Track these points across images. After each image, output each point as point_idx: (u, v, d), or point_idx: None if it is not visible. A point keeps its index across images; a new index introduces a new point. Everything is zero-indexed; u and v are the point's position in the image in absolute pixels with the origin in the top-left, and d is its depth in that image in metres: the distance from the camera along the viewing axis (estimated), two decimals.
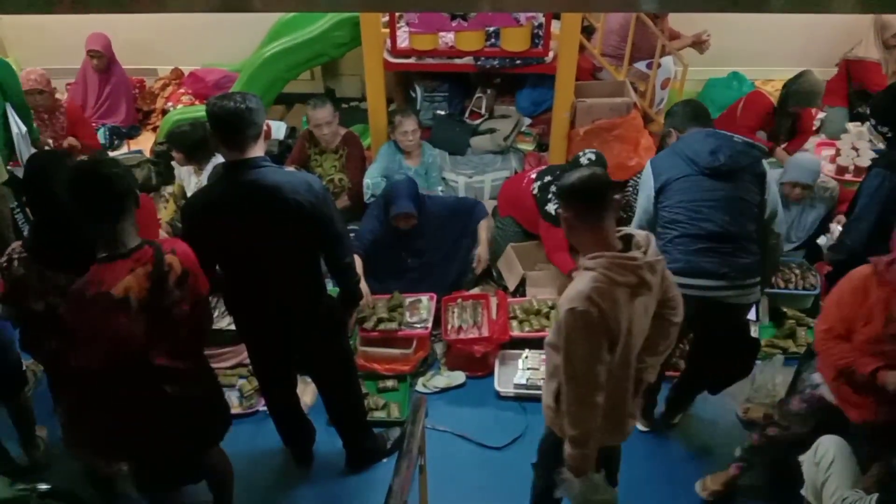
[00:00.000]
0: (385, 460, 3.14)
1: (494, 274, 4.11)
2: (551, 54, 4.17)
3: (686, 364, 3.27)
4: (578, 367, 1.99)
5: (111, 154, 4.97)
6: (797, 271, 3.87)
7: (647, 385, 2.29)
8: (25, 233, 3.52)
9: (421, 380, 3.59)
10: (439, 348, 3.75)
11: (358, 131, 4.69)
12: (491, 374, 3.58)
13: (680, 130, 2.92)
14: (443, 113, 4.59)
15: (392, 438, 3.18)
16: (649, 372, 2.23)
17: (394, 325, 3.62)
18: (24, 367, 3.07)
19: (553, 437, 2.23)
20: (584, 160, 3.59)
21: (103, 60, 5.06)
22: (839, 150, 4.53)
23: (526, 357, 3.55)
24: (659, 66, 4.44)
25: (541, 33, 4.08)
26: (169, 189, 4.57)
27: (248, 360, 3.07)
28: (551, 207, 3.69)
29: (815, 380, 2.58)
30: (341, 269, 2.63)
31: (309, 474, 3.14)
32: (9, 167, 3.93)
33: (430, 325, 3.64)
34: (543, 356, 3.08)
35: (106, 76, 5.17)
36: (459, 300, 3.82)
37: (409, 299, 3.78)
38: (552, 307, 3.68)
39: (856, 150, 4.48)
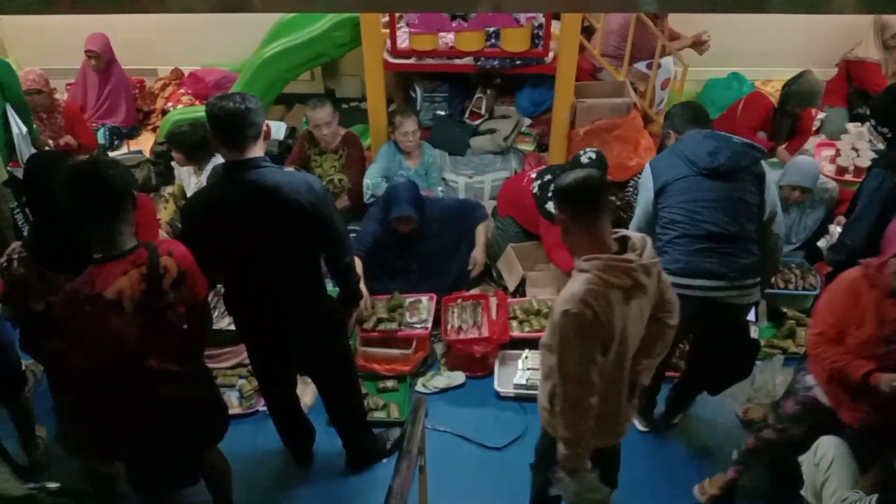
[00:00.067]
0: (385, 460, 3.14)
1: (494, 274, 4.11)
2: (551, 55, 4.17)
3: (686, 364, 3.27)
4: (572, 368, 1.99)
5: (111, 154, 4.98)
6: (797, 272, 3.87)
7: (643, 387, 2.29)
8: (25, 233, 3.52)
9: (421, 380, 3.59)
10: (439, 348, 3.75)
11: (358, 131, 4.69)
12: (491, 374, 3.58)
13: (679, 132, 2.92)
14: (443, 113, 4.60)
15: (392, 438, 3.18)
16: (644, 375, 2.23)
17: (394, 326, 3.62)
18: (24, 367, 3.07)
19: (549, 438, 2.23)
20: (584, 159, 3.60)
21: (101, 61, 5.06)
22: (839, 151, 4.53)
23: (526, 357, 3.55)
24: (659, 66, 4.44)
25: (541, 34, 4.09)
26: (169, 189, 4.57)
27: (248, 360, 3.07)
28: (551, 206, 3.69)
29: (808, 382, 2.58)
30: (341, 269, 2.63)
31: (309, 474, 3.14)
32: (9, 167, 3.93)
33: (429, 325, 3.64)
34: None
35: (105, 76, 5.17)
36: (459, 300, 3.82)
37: (408, 299, 3.78)
38: (552, 307, 3.67)
39: (856, 150, 4.48)
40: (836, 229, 3.82)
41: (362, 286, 3.39)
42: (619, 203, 4.17)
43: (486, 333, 3.60)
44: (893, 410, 2.33)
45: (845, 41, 5.23)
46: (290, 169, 3.76)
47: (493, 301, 3.80)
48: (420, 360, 3.61)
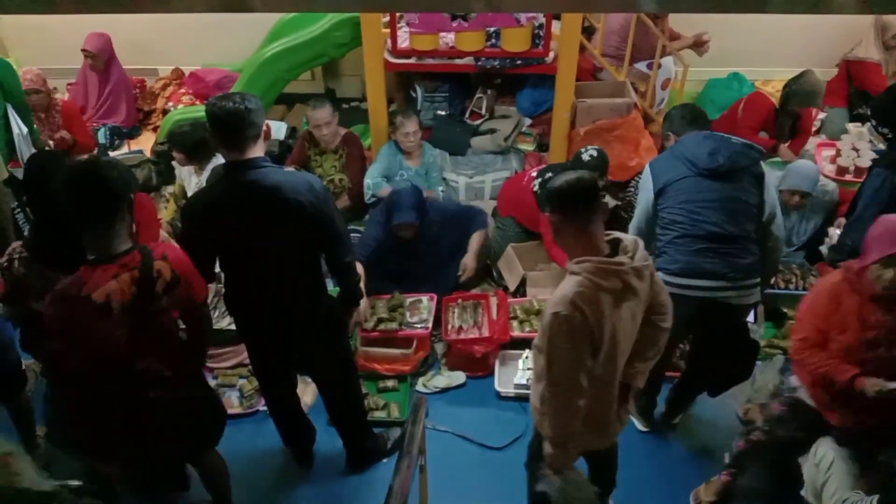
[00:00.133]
0: (385, 460, 3.14)
1: (495, 274, 4.11)
2: (552, 55, 4.17)
3: (686, 364, 3.27)
4: (560, 370, 2.00)
5: (112, 154, 4.98)
6: (797, 272, 3.87)
7: (636, 390, 2.28)
8: (26, 232, 3.52)
9: (421, 380, 3.59)
10: (440, 348, 3.75)
11: (358, 131, 4.69)
12: (491, 374, 3.58)
13: (678, 134, 2.93)
14: (443, 113, 4.60)
15: (392, 438, 3.18)
16: (638, 378, 2.23)
17: (394, 325, 3.62)
18: (24, 367, 3.07)
19: (541, 437, 2.24)
20: (585, 157, 3.61)
21: (98, 61, 5.05)
22: (839, 151, 4.53)
23: (526, 357, 3.55)
24: (659, 66, 4.44)
25: (541, 34, 4.09)
26: (169, 189, 4.57)
27: (248, 360, 3.07)
28: None
29: (793, 382, 2.57)
30: (342, 269, 2.63)
31: (309, 474, 3.14)
32: (9, 168, 3.93)
33: (430, 325, 3.64)
34: None
35: (105, 76, 5.16)
36: (460, 300, 3.82)
37: (409, 299, 3.78)
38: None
39: (856, 150, 4.48)
40: (835, 232, 3.81)
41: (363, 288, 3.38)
42: (619, 203, 4.17)
43: (486, 333, 3.60)
44: (880, 412, 2.32)
45: (845, 41, 5.22)
46: (291, 169, 3.76)
47: (494, 301, 3.80)
48: (420, 359, 3.61)
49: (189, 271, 2.18)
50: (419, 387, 3.56)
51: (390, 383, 3.54)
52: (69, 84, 5.47)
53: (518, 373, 3.50)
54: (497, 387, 3.49)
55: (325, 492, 3.06)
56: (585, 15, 4.41)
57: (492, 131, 4.53)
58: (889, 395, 2.23)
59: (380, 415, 3.35)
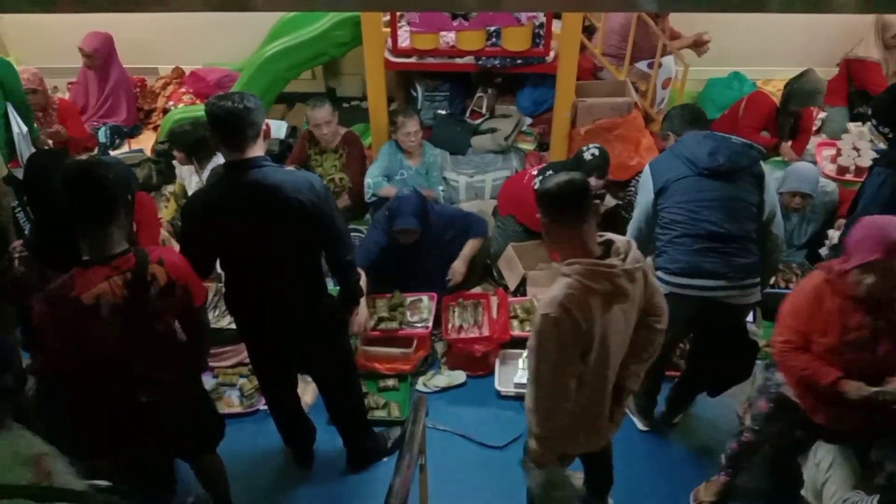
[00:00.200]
0: (385, 460, 3.14)
1: (495, 273, 4.11)
2: (552, 54, 4.17)
3: (686, 364, 3.27)
4: (548, 370, 2.01)
5: (112, 153, 4.98)
6: (798, 271, 3.87)
7: (630, 392, 2.28)
8: (27, 232, 3.52)
9: (421, 379, 3.59)
10: (440, 347, 3.75)
11: (359, 131, 4.69)
12: (491, 373, 3.58)
13: (678, 134, 2.93)
14: (444, 112, 4.59)
15: (392, 438, 3.18)
16: (632, 380, 2.22)
17: (394, 325, 3.62)
18: (25, 367, 3.07)
19: None
20: (587, 155, 3.61)
21: (94, 60, 5.04)
22: (840, 150, 4.52)
23: (526, 357, 3.54)
24: (660, 65, 4.44)
25: (542, 33, 4.09)
26: (170, 188, 4.57)
27: (248, 360, 3.07)
28: None
29: (778, 378, 2.55)
30: (342, 268, 2.63)
31: (309, 474, 3.14)
32: (9, 167, 3.92)
33: (430, 324, 3.64)
34: None
35: (105, 75, 5.16)
36: (460, 300, 3.82)
37: (409, 299, 3.78)
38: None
39: (857, 150, 4.48)
40: (835, 234, 3.81)
41: (362, 306, 3.37)
42: (620, 202, 4.17)
43: (486, 332, 3.60)
44: (865, 412, 2.31)
45: (846, 41, 5.22)
46: (291, 168, 3.75)
47: (494, 300, 3.80)
48: (421, 359, 3.62)
49: (186, 275, 2.15)
50: (419, 386, 3.56)
51: (390, 382, 3.55)
52: (70, 83, 5.47)
53: (518, 372, 3.50)
54: (497, 386, 3.50)
55: (325, 491, 3.06)
56: (586, 14, 4.41)
57: (492, 130, 4.53)
58: (871, 398, 2.22)
59: (380, 414, 3.35)
